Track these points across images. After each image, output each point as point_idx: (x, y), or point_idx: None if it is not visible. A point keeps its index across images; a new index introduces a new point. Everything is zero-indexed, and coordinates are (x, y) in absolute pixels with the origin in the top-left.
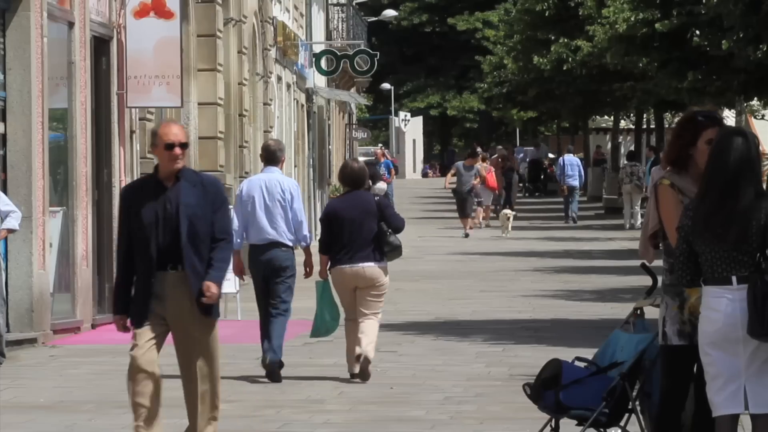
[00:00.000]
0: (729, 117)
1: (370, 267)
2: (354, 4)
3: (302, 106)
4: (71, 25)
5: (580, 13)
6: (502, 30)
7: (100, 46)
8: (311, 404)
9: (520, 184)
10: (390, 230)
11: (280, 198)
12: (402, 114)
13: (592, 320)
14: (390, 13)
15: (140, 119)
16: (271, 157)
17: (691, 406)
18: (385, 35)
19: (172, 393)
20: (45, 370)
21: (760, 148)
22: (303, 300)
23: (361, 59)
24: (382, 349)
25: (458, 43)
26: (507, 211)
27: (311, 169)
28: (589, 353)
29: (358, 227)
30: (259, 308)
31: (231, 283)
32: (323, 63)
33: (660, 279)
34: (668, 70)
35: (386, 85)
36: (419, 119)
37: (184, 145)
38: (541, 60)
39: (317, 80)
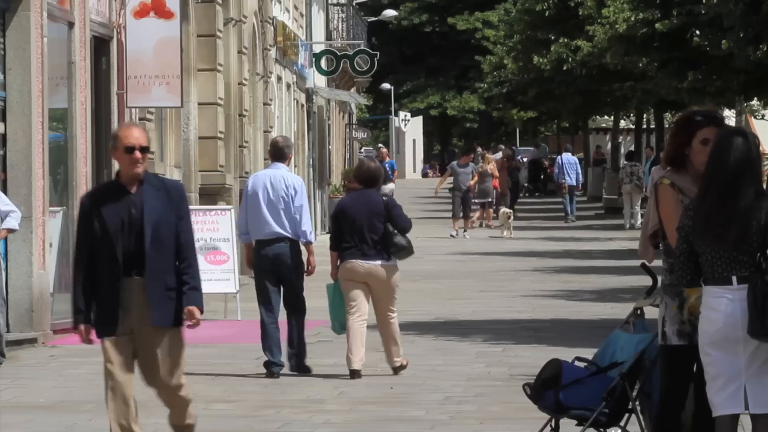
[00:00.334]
0: (729, 117)
1: (381, 265)
2: (354, 4)
3: (302, 106)
4: (71, 25)
5: (580, 13)
6: (502, 30)
7: (100, 46)
8: (311, 404)
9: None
10: (396, 230)
11: (284, 194)
12: (402, 114)
13: (592, 320)
14: (390, 13)
15: (140, 119)
16: (278, 153)
17: (691, 406)
18: (385, 35)
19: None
20: (45, 370)
21: (760, 148)
22: (308, 300)
23: (361, 59)
24: (382, 349)
25: (458, 43)
26: (506, 210)
27: (311, 169)
28: (589, 353)
29: (365, 226)
30: (260, 303)
31: (231, 283)
32: (323, 63)
33: (660, 279)
34: (668, 70)
35: (386, 85)
36: (419, 119)
37: (144, 149)
38: (541, 60)
39: (317, 80)
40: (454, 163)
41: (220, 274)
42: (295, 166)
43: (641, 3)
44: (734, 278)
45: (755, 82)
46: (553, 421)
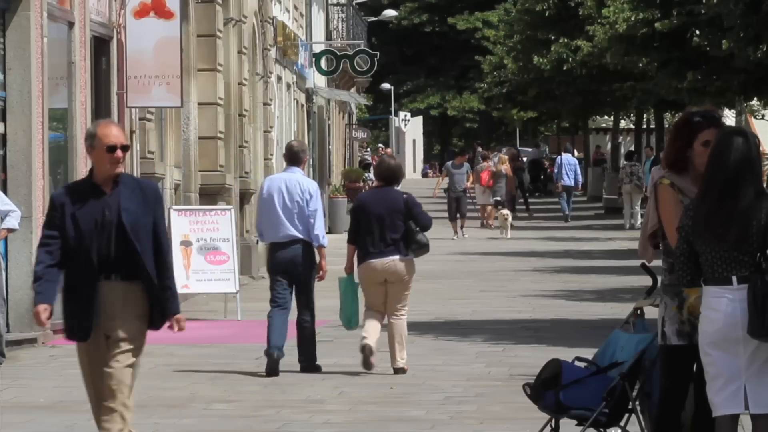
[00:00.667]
0: (729, 117)
1: (398, 260)
2: (354, 4)
3: (302, 106)
4: (71, 25)
5: (580, 13)
6: (502, 30)
7: (100, 46)
8: (311, 404)
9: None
10: (418, 228)
11: (300, 198)
12: (402, 114)
13: (592, 320)
14: (390, 13)
15: (140, 119)
16: (293, 157)
17: (691, 406)
18: (385, 35)
19: (172, 393)
20: (45, 370)
21: (760, 148)
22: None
23: (361, 59)
24: (382, 349)
25: (458, 43)
26: (505, 211)
27: (311, 169)
28: (589, 353)
29: (384, 223)
30: (272, 303)
31: (231, 283)
32: (323, 63)
33: (660, 279)
34: (668, 70)
35: (386, 85)
36: (419, 119)
37: (125, 148)
38: (541, 60)
39: (317, 80)
40: (449, 163)
41: (220, 274)
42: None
43: (641, 3)
44: (734, 278)
45: (755, 82)
46: (553, 421)
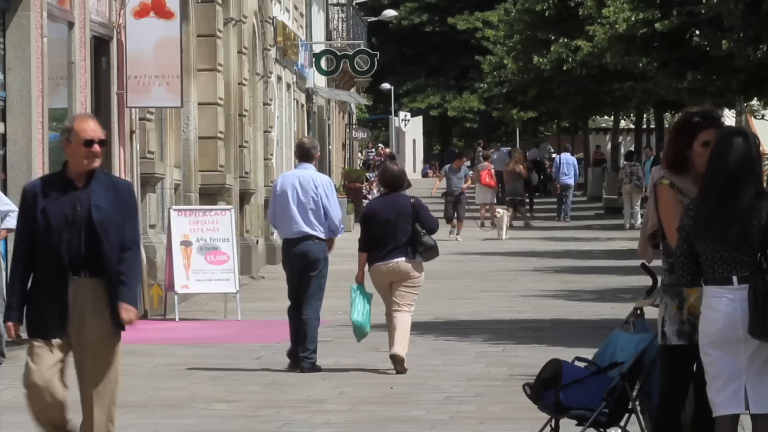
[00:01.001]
0: (729, 117)
1: (402, 262)
2: (354, 4)
3: (302, 106)
4: (71, 25)
5: (580, 13)
6: (502, 30)
7: (100, 46)
8: (311, 404)
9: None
10: (424, 231)
11: (314, 194)
12: (402, 114)
13: (592, 320)
14: (390, 13)
15: (140, 119)
16: (305, 154)
17: (691, 406)
18: (385, 35)
19: (172, 393)
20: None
21: (760, 148)
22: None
23: (361, 59)
24: (382, 349)
25: (458, 43)
26: (500, 210)
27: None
28: (589, 353)
29: (393, 228)
30: (291, 300)
31: (231, 283)
32: (323, 63)
33: (659, 279)
34: (668, 70)
35: (386, 85)
36: (419, 119)
37: (102, 142)
38: (541, 60)
39: (317, 80)
40: (447, 167)
41: (220, 274)
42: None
43: (641, 3)
44: (735, 278)
45: (755, 82)
46: (553, 421)
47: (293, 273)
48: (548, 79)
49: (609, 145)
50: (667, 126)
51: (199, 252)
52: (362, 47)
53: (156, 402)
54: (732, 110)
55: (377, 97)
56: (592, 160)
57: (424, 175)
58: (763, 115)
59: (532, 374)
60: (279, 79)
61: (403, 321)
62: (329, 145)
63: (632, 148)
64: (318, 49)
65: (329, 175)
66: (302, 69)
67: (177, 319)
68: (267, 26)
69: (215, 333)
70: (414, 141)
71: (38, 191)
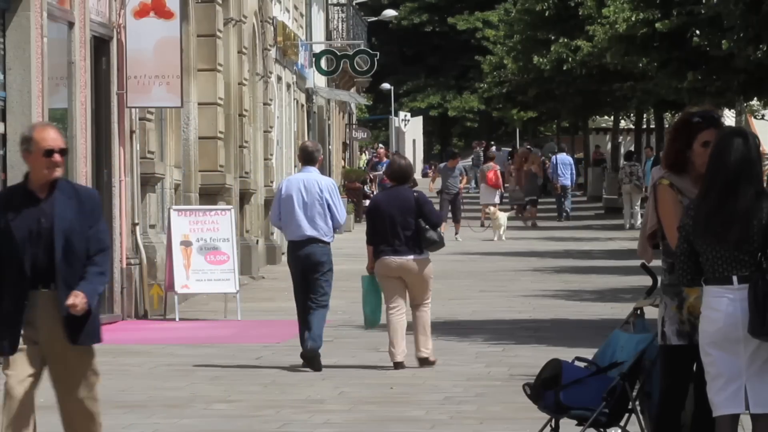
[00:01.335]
0: (729, 117)
1: (411, 260)
2: (354, 4)
3: (302, 106)
4: (71, 25)
5: (580, 13)
6: (502, 30)
7: (100, 46)
8: (311, 404)
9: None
10: (428, 226)
11: (318, 197)
12: (402, 114)
13: (592, 320)
14: (390, 13)
15: (140, 119)
16: (308, 157)
17: (691, 406)
18: (385, 35)
19: (173, 393)
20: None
21: (760, 148)
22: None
23: (361, 59)
24: (382, 349)
25: (458, 43)
26: (492, 209)
27: None
28: (589, 353)
29: (397, 221)
30: (297, 303)
31: (231, 283)
32: (323, 63)
33: (659, 279)
34: (668, 70)
35: (386, 85)
36: (419, 119)
37: (63, 151)
38: (541, 60)
39: (317, 80)
40: (442, 165)
41: (220, 274)
42: (295, 167)
43: (641, 3)
44: (735, 278)
45: (755, 82)
46: (553, 421)
47: (298, 275)
48: (548, 79)
49: (609, 145)
50: (667, 126)
51: (199, 252)
52: (362, 47)
53: (156, 402)
54: (732, 110)
55: (377, 97)
56: (592, 160)
57: (424, 174)
58: (763, 115)
59: (532, 374)
60: (279, 79)
61: (423, 320)
62: (329, 145)
63: (632, 148)
64: (318, 49)
65: (329, 175)
66: (302, 69)
67: (177, 319)
68: (267, 26)
69: (215, 333)
70: (414, 141)
71: (1, 205)
